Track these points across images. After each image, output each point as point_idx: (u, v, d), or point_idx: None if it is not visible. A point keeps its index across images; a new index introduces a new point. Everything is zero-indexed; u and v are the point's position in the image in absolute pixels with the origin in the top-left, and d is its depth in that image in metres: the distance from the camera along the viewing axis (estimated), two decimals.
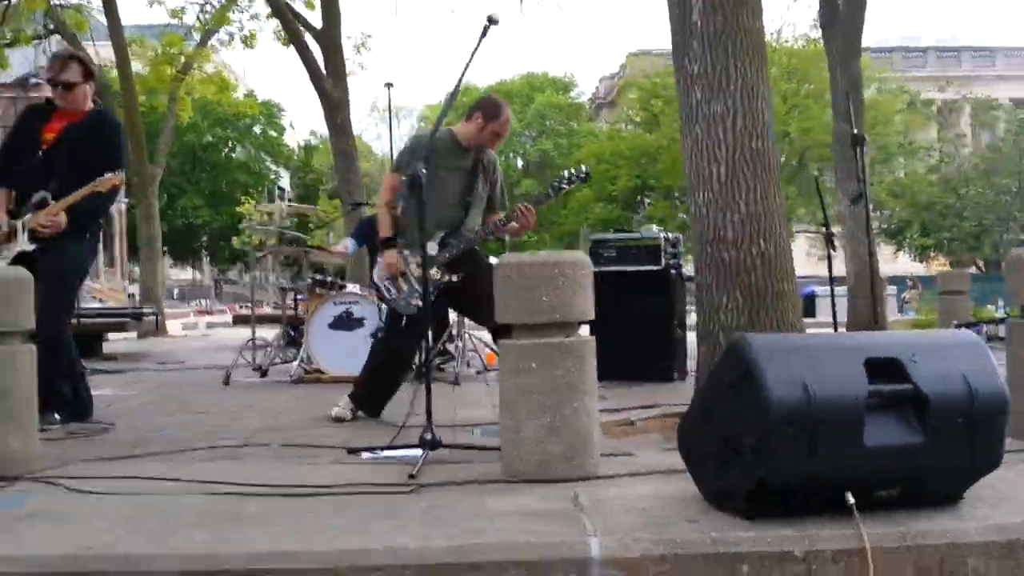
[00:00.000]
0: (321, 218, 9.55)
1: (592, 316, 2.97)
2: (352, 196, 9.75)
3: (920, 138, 35.46)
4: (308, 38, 10.61)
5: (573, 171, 4.36)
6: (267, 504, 2.66)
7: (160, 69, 13.94)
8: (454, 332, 7.16)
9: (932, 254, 33.52)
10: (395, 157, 4.46)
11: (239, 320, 10.81)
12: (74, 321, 7.56)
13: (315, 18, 11.01)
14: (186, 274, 57.60)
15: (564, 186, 4.35)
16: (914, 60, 45.16)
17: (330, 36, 10.50)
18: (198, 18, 14.63)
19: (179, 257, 55.98)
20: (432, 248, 4.15)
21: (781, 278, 3.97)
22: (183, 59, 14.09)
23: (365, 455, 3.47)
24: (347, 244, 7.31)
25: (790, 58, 33.23)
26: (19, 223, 4.42)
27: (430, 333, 4.27)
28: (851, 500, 2.20)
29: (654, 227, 6.70)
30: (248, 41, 13.23)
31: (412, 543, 2.23)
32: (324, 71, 10.43)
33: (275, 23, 12.27)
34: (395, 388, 4.56)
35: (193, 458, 3.57)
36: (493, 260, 4.11)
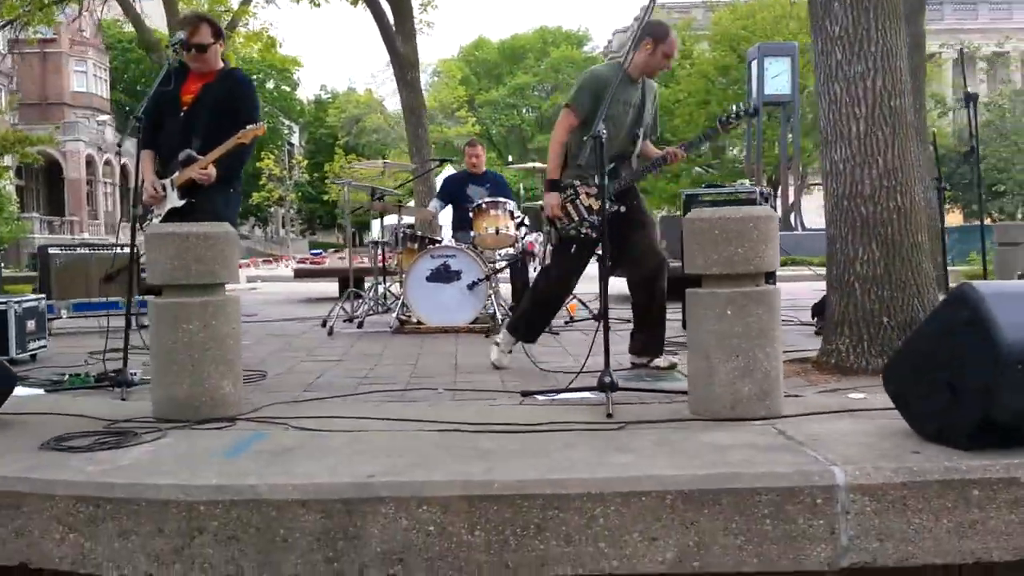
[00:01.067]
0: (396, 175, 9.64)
1: (777, 266, 3.17)
2: (421, 153, 9.91)
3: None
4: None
5: (741, 105, 4.31)
6: (496, 440, 2.87)
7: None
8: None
9: (948, 207, 33.70)
10: (573, 93, 4.46)
11: (302, 274, 10.94)
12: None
13: None
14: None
15: (732, 121, 4.29)
16: (965, 12, 44.91)
17: None
18: None
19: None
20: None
21: (916, 230, 4.15)
22: (229, 16, 14.14)
23: (540, 398, 3.69)
24: (434, 204, 7.49)
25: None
26: (168, 181, 4.61)
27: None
28: None
29: (747, 182, 6.86)
30: (313, 0, 13.26)
31: (667, 472, 2.45)
32: (395, 30, 10.53)
33: None
34: (552, 316, 4.81)
35: (371, 400, 3.79)
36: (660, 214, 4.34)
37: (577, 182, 4.38)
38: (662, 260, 4.48)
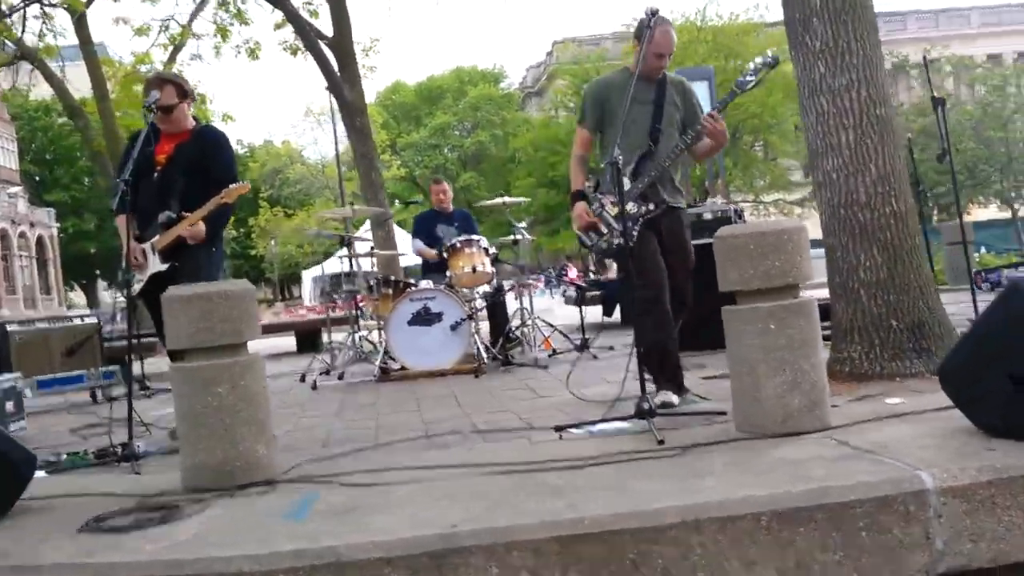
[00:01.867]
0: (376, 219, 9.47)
1: (813, 277, 3.19)
2: (377, 197, 9.81)
3: None
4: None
5: (759, 59, 3.93)
6: (562, 476, 2.80)
7: (130, 88, 13.74)
8: (518, 320, 7.33)
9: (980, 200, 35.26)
10: (579, 110, 4.32)
11: (268, 330, 10.57)
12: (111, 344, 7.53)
13: (323, 26, 11.16)
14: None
15: (750, 79, 3.93)
16: (895, 24, 47.06)
17: (343, 44, 10.55)
18: (161, 33, 14.40)
19: (112, 277, 54.57)
20: (624, 184, 3.96)
21: (913, 233, 4.26)
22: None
23: (575, 431, 3.63)
24: (418, 244, 7.41)
25: (715, 36, 34.19)
26: (148, 246, 4.46)
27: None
28: None
29: (718, 200, 6.96)
30: (252, 53, 13.09)
31: (760, 492, 2.42)
32: (340, 77, 10.46)
33: (278, 35, 12.40)
34: (672, 345, 4.16)
35: (401, 449, 3.69)
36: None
37: (600, 194, 4.21)
38: (682, 305, 4.21)
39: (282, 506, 2.79)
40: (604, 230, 4.18)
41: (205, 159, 4.54)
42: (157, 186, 4.51)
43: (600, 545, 2.35)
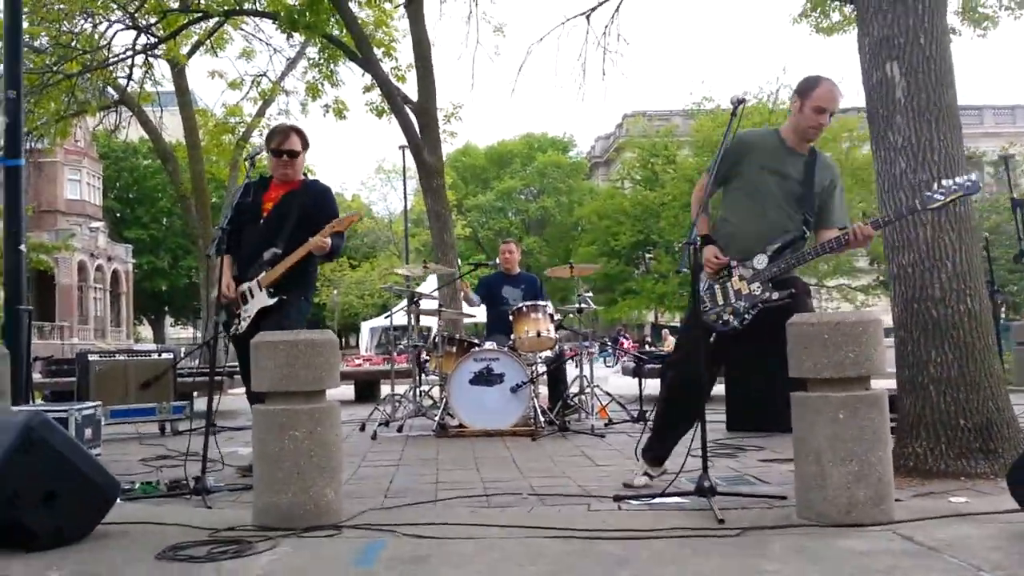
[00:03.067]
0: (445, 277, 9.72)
1: (886, 369, 3.22)
2: (448, 256, 10.07)
3: None
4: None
5: (959, 181, 3.61)
6: (624, 546, 2.84)
7: (219, 137, 14.40)
8: (577, 387, 7.38)
9: None
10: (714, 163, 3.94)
11: None
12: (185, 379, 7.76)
13: (408, 90, 11.71)
14: (187, 333, 57.44)
15: (939, 198, 3.62)
16: (971, 117, 46.87)
17: (426, 108, 10.98)
18: (252, 88, 15.07)
19: (179, 315, 55.97)
20: (760, 261, 3.85)
21: (986, 332, 4.23)
22: (243, 128, 14.56)
23: (634, 502, 3.66)
24: (475, 298, 7.57)
25: (786, 119, 34.24)
26: (254, 283, 4.63)
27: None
28: None
29: None
30: (339, 112, 13.67)
31: None
32: (421, 140, 10.86)
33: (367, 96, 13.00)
34: (685, 425, 3.99)
35: (459, 505, 3.75)
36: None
37: (735, 261, 3.91)
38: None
39: (349, 551, 2.88)
40: (720, 300, 3.92)
41: (317, 209, 4.73)
42: (263, 231, 4.72)
43: None
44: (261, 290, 4.57)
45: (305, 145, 4.84)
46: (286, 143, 4.73)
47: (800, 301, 3.81)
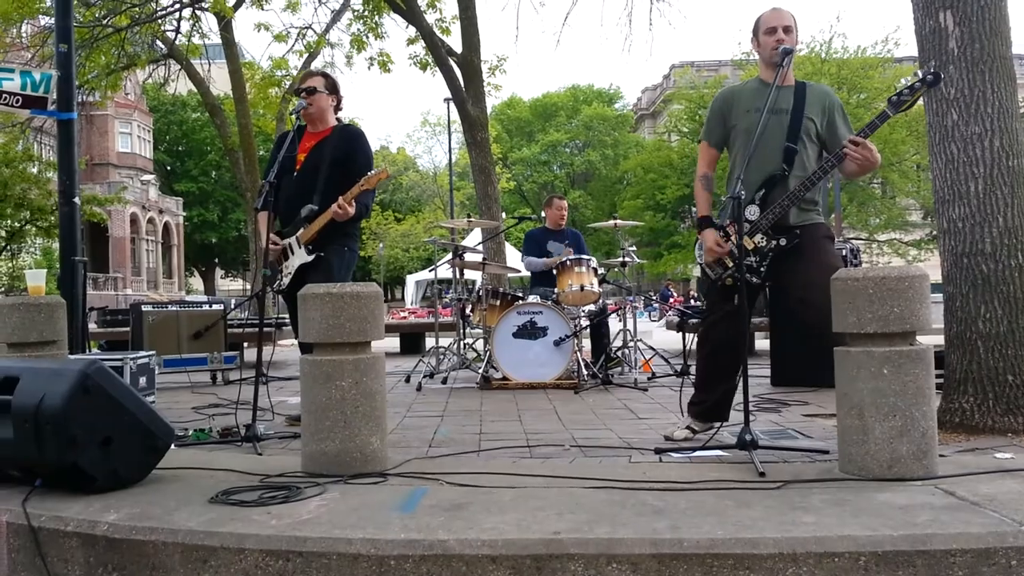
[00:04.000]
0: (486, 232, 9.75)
1: (932, 325, 3.18)
2: (491, 210, 10.10)
3: None
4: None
5: (916, 74, 3.63)
6: (662, 498, 2.88)
7: (266, 90, 14.48)
8: (620, 341, 7.40)
9: None
10: (705, 123, 4.08)
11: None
12: (233, 330, 7.93)
13: (453, 42, 11.63)
14: (236, 284, 58.43)
15: (906, 97, 3.63)
16: None
17: (471, 61, 10.96)
18: (298, 41, 15.09)
19: (229, 267, 56.92)
20: (752, 212, 3.82)
21: None
22: (289, 80, 14.63)
23: (675, 455, 3.70)
24: (533, 262, 7.60)
25: (839, 68, 33.48)
26: (293, 239, 4.69)
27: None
28: None
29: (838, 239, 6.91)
30: (384, 65, 13.65)
31: (860, 532, 2.45)
32: (465, 93, 10.84)
33: (411, 49, 12.93)
34: (728, 381, 3.99)
35: (502, 456, 3.82)
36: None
37: (728, 222, 3.95)
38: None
39: (393, 498, 2.95)
40: (728, 264, 3.94)
41: (347, 153, 4.72)
42: (298, 183, 4.73)
43: (698, 567, 2.42)
44: (300, 247, 4.64)
45: (330, 88, 4.82)
46: (306, 81, 4.75)
47: (813, 244, 3.84)
